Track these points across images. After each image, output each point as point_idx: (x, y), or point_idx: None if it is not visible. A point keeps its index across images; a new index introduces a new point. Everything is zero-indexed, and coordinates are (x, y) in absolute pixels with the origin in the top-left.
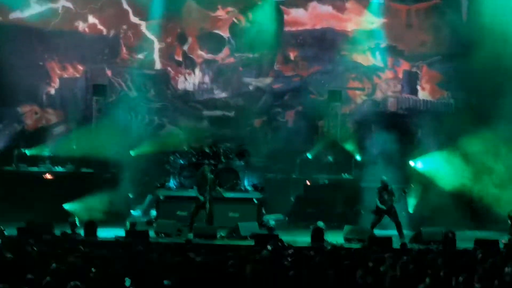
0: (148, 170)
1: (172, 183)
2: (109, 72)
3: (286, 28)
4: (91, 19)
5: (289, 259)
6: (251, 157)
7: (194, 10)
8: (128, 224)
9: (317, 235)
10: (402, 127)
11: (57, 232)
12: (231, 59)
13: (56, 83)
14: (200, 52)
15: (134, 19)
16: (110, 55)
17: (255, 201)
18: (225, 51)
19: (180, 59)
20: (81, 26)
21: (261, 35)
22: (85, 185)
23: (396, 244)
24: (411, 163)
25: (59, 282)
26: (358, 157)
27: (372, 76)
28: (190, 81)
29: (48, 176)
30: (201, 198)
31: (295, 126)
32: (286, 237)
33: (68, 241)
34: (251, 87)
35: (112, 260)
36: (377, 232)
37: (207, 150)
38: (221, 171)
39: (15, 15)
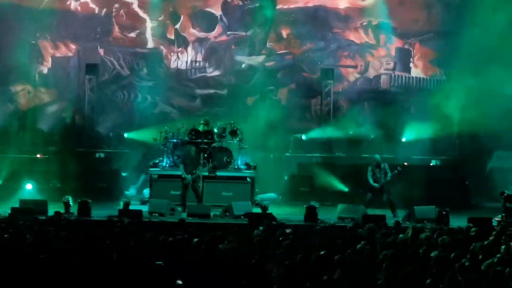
0: (141, 149)
1: (165, 162)
2: (101, 51)
3: (279, 6)
4: None
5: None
6: (244, 135)
7: None
8: (121, 203)
9: (311, 213)
10: (395, 104)
11: (51, 212)
12: (224, 37)
13: (48, 62)
14: (192, 30)
15: None
16: (102, 33)
17: (248, 180)
18: (218, 29)
19: (173, 37)
20: (73, 4)
21: (253, 13)
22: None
23: (390, 222)
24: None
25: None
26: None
27: (365, 54)
28: (183, 59)
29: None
30: (188, 177)
31: (288, 104)
32: (280, 216)
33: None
34: (243, 65)
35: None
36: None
37: (200, 128)
38: (214, 150)
39: None
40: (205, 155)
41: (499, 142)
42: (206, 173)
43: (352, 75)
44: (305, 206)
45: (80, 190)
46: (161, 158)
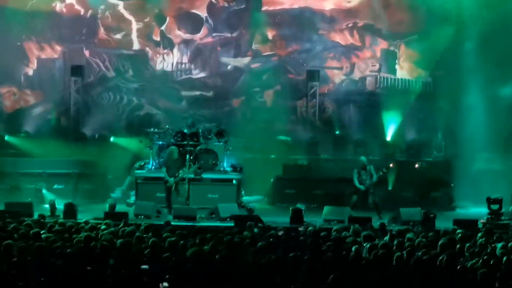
0: (126, 151)
1: (151, 164)
2: (87, 53)
3: (264, 8)
4: None
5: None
6: (230, 137)
7: None
8: (107, 206)
9: (296, 216)
10: (381, 105)
11: (36, 215)
12: (209, 39)
13: (34, 64)
14: (178, 32)
15: None
16: (88, 35)
17: (234, 182)
18: (203, 31)
19: (158, 39)
20: (58, 6)
21: (239, 15)
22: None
23: (375, 224)
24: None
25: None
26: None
27: (350, 55)
28: (168, 61)
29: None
30: (171, 180)
31: (273, 105)
32: (265, 218)
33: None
34: (229, 67)
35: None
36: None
37: (185, 130)
38: (200, 152)
39: None
40: (191, 157)
41: (485, 143)
42: (192, 175)
43: (338, 77)
44: (291, 208)
45: (66, 192)
46: (147, 160)
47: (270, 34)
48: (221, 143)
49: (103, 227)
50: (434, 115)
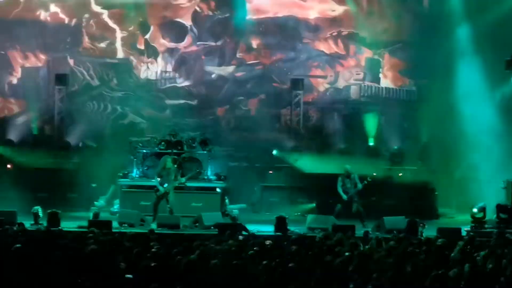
0: (110, 159)
1: (135, 172)
2: (71, 61)
3: (249, 16)
4: (53, 7)
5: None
6: (214, 146)
7: None
8: (91, 214)
9: (281, 224)
10: (365, 114)
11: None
12: (194, 48)
13: (18, 73)
14: (162, 41)
15: (96, 7)
16: (72, 44)
17: (218, 190)
18: (188, 39)
19: (143, 47)
20: (42, 15)
21: (223, 23)
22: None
23: (359, 232)
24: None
25: None
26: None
27: (335, 64)
28: (153, 70)
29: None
30: (161, 189)
31: (258, 114)
32: (249, 227)
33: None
34: (213, 76)
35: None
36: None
37: (169, 139)
38: (184, 160)
39: None
40: (175, 166)
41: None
42: (187, 183)
43: (322, 86)
44: (275, 216)
45: (50, 200)
46: (130, 169)
47: (254, 43)
48: (205, 152)
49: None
50: (418, 123)
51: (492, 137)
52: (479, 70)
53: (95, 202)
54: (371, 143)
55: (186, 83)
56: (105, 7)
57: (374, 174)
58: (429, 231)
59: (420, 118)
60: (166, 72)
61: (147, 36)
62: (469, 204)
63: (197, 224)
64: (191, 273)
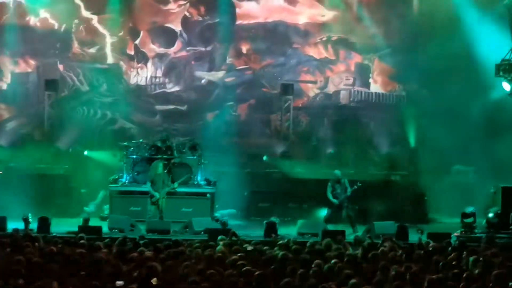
0: (100, 164)
1: (125, 178)
2: (61, 67)
3: (238, 21)
4: (43, 13)
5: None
6: (204, 151)
7: (146, 3)
8: (81, 219)
9: (270, 229)
10: (355, 119)
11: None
12: (183, 53)
13: (8, 78)
14: (152, 46)
15: (85, 13)
16: (62, 49)
17: (208, 196)
18: (177, 44)
19: (132, 53)
20: (32, 20)
21: (213, 29)
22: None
23: (349, 238)
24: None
25: None
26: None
27: (324, 69)
28: (143, 75)
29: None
30: (156, 194)
31: (248, 119)
32: (239, 232)
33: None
34: (203, 81)
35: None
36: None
37: (159, 144)
38: (174, 166)
39: None
40: (165, 171)
41: (458, 157)
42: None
43: (312, 91)
44: (264, 222)
45: (40, 206)
46: (120, 174)
47: (244, 48)
48: (195, 157)
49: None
50: (407, 128)
51: (482, 142)
52: (469, 72)
53: (85, 208)
54: (361, 148)
55: (176, 88)
56: (94, 12)
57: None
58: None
59: (409, 123)
60: (156, 77)
61: (136, 42)
62: (459, 209)
63: (187, 229)
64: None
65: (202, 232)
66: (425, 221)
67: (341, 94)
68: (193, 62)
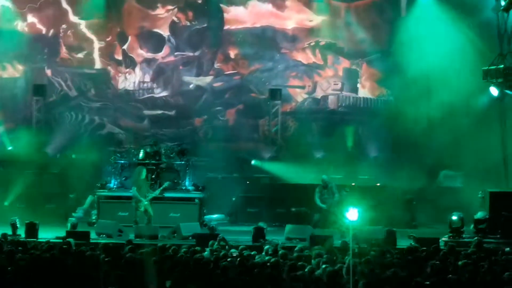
0: (88, 170)
1: (112, 183)
2: (49, 72)
3: (226, 27)
4: (30, 18)
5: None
6: (192, 156)
7: (134, 8)
8: (69, 225)
9: (259, 234)
10: (343, 124)
11: None
12: (171, 58)
13: None
14: (140, 51)
15: (73, 18)
16: (49, 54)
17: (196, 201)
18: (165, 49)
19: (120, 58)
20: (20, 25)
21: (201, 34)
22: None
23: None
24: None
25: None
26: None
27: (313, 74)
28: (131, 80)
29: None
30: (143, 200)
31: (236, 124)
32: (228, 237)
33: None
34: (191, 86)
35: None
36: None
37: (147, 149)
38: (162, 171)
39: None
40: (153, 176)
41: (446, 161)
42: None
43: (300, 96)
44: (252, 227)
45: (27, 211)
46: (108, 179)
47: (232, 53)
48: (183, 162)
49: None
50: (396, 133)
51: (470, 146)
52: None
53: (73, 213)
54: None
55: (164, 93)
56: (82, 17)
57: (353, 184)
58: (407, 240)
59: (397, 128)
60: (144, 82)
61: (124, 47)
62: (447, 214)
63: (175, 234)
64: None
65: (190, 237)
66: (413, 226)
67: (329, 99)
68: (181, 67)
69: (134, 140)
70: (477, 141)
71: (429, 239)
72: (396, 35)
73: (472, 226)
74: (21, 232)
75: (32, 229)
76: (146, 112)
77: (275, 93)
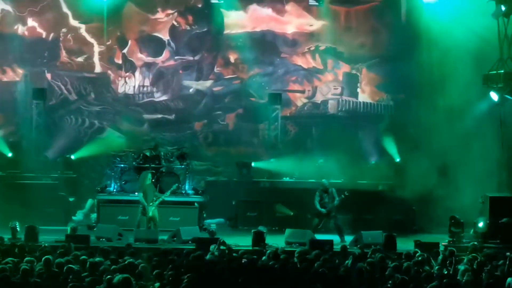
0: (88, 174)
1: (112, 187)
2: (49, 76)
3: (226, 31)
4: (31, 22)
5: None
6: (192, 160)
7: (134, 13)
8: (69, 228)
9: (258, 238)
10: (342, 129)
11: None
12: (171, 62)
13: None
14: (140, 55)
15: (73, 22)
16: (50, 58)
17: (196, 205)
18: (165, 54)
19: (120, 62)
20: (20, 29)
21: (201, 38)
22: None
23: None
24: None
25: None
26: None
27: (312, 79)
28: (130, 84)
29: None
30: (150, 208)
31: (235, 129)
32: (227, 241)
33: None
34: (191, 90)
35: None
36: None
37: (147, 153)
38: (162, 175)
39: None
40: (153, 180)
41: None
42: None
43: (300, 100)
44: (252, 231)
45: (27, 215)
46: (108, 183)
47: (232, 58)
48: (183, 166)
49: None
50: (395, 138)
51: (471, 151)
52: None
53: (73, 217)
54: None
55: (164, 97)
56: (82, 21)
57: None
58: (407, 245)
59: (397, 132)
60: (143, 86)
61: (124, 51)
62: (447, 218)
63: (175, 238)
64: None
65: (190, 241)
66: (413, 231)
67: (329, 104)
68: (181, 71)
69: (134, 144)
70: (478, 146)
71: (429, 243)
72: (396, 40)
73: (472, 231)
74: (21, 235)
75: (32, 233)
76: (146, 116)
77: (275, 98)
